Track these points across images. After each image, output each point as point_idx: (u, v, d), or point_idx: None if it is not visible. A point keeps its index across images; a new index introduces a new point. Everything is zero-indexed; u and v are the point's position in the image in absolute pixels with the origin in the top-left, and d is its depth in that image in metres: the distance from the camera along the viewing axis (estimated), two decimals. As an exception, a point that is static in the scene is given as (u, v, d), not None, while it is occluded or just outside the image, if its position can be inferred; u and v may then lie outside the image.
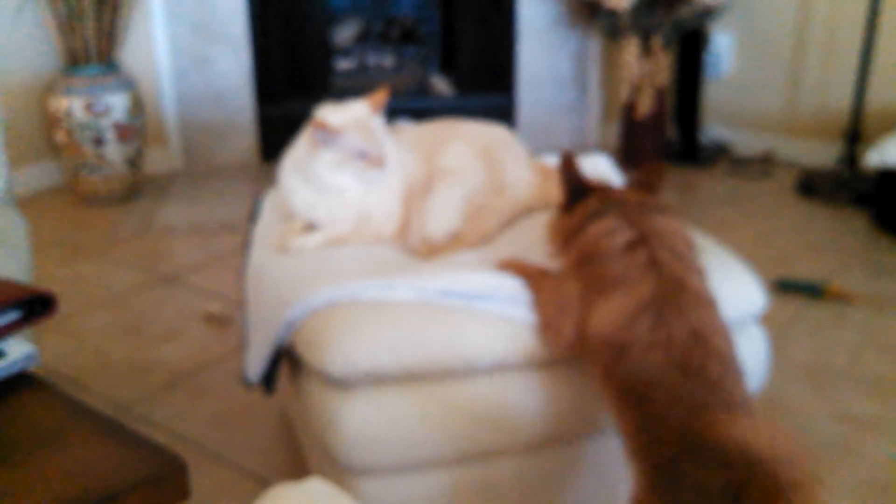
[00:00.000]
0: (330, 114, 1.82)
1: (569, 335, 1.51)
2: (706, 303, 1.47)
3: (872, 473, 2.07)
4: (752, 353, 1.74)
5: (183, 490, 0.97)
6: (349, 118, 1.82)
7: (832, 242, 3.40)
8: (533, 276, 1.63)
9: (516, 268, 1.66)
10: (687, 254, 1.52)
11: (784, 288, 2.96)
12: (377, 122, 1.87)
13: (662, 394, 1.37)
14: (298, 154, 1.88)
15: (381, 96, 1.89)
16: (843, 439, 2.19)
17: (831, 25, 4.07)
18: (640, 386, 1.39)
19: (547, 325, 1.56)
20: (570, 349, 1.53)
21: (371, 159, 1.81)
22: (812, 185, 3.85)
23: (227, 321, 2.78)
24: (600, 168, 2.14)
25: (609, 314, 1.44)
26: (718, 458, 1.28)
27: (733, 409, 1.36)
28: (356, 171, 1.81)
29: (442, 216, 1.86)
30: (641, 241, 1.49)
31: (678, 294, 1.44)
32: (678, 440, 1.34)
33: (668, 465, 1.34)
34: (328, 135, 1.78)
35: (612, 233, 1.51)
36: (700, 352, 1.39)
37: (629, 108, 4.20)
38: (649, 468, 1.39)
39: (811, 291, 2.94)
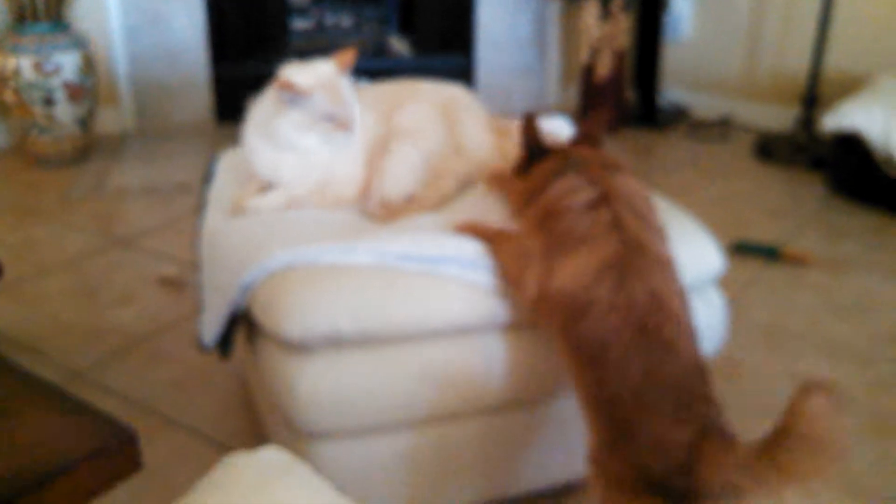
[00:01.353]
0: (296, 73, 1.77)
1: (532, 290, 1.50)
2: (665, 264, 1.47)
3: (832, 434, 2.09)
4: (710, 315, 1.74)
5: (134, 461, 0.95)
6: (317, 78, 1.77)
7: (789, 206, 3.43)
8: (493, 237, 1.61)
9: (475, 230, 1.64)
10: (647, 214, 1.52)
11: (741, 251, 2.97)
12: (345, 82, 1.82)
13: (619, 353, 1.38)
14: (263, 113, 1.82)
15: (348, 56, 1.84)
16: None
17: (790, -11, 4.07)
18: (597, 345, 1.40)
19: (513, 281, 1.55)
20: (533, 304, 1.51)
21: (339, 122, 1.77)
22: (769, 149, 3.87)
23: (183, 285, 2.74)
24: (559, 130, 2.12)
25: (572, 272, 1.44)
26: (674, 413, 1.32)
27: (686, 369, 1.37)
28: (323, 133, 1.77)
29: (399, 178, 1.83)
30: (604, 200, 1.48)
31: (640, 255, 1.44)
32: (634, 398, 1.35)
33: (623, 422, 1.36)
34: (295, 95, 1.73)
35: (574, 191, 1.51)
36: (658, 314, 1.39)
37: (588, 71, 4.18)
38: (605, 425, 1.40)
39: (768, 254, 2.96)
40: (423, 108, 1.91)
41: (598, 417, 1.42)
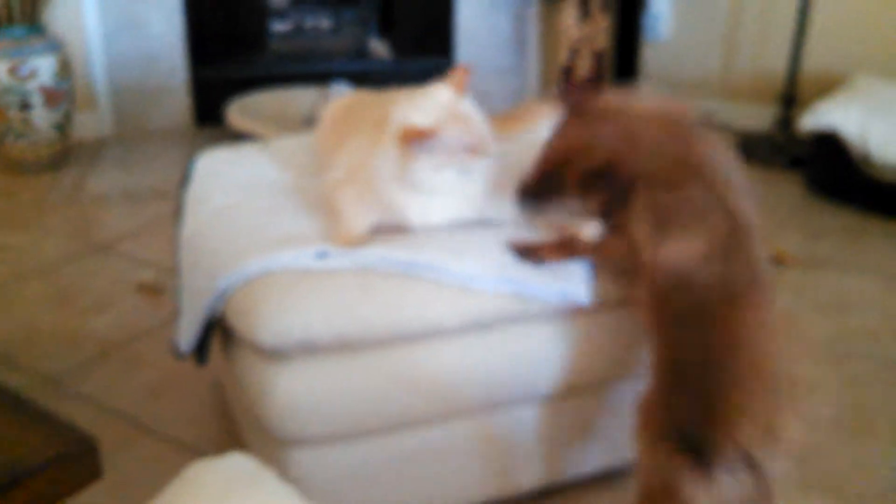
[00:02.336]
0: (413, 112, 1.62)
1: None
2: (759, 236, 1.53)
3: (808, 433, 2.10)
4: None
5: (94, 470, 0.94)
6: (437, 112, 1.62)
7: (768, 205, 3.43)
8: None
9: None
10: (744, 184, 1.54)
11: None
12: (467, 104, 1.66)
13: (710, 322, 1.46)
14: (390, 163, 1.63)
15: (461, 76, 1.68)
16: (777, 400, 2.22)
17: (768, -11, 4.09)
18: (689, 314, 1.47)
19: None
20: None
21: (473, 150, 1.62)
22: (748, 149, 3.87)
23: (161, 290, 2.72)
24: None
25: (681, 253, 1.46)
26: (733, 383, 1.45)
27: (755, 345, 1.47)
28: (460, 166, 1.63)
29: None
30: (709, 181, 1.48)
31: (747, 236, 1.49)
32: (706, 363, 1.45)
33: (686, 381, 1.47)
34: (425, 140, 1.58)
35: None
36: (752, 289, 1.47)
37: (568, 71, 4.18)
38: (668, 380, 1.51)
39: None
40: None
41: (664, 372, 1.51)
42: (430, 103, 1.63)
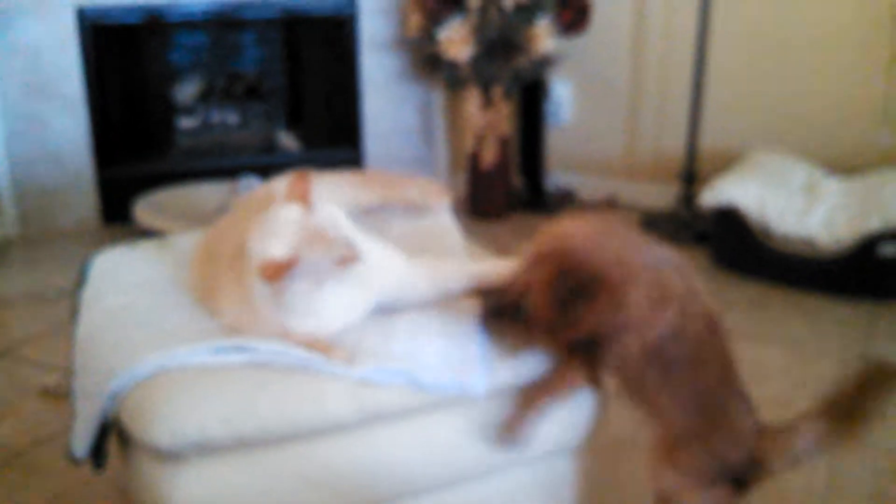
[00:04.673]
0: (270, 242, 1.55)
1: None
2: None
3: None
4: (580, 399, 1.74)
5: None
6: (292, 233, 1.55)
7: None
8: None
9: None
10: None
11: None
12: (320, 214, 1.60)
13: (700, 355, 1.60)
14: (266, 301, 1.60)
15: (301, 187, 1.61)
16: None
17: (664, 74, 4.23)
18: (682, 360, 1.59)
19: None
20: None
21: (344, 261, 1.55)
22: (654, 226, 3.97)
23: (65, 394, 2.64)
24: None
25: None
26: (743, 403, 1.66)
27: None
28: (337, 279, 1.58)
29: None
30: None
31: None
32: (716, 392, 1.63)
33: (706, 415, 1.62)
34: (287, 271, 1.52)
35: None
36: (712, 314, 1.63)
37: (474, 158, 4.25)
38: (686, 421, 1.62)
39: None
40: None
41: (679, 414, 1.61)
42: (282, 227, 1.56)
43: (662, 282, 1.56)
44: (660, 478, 1.68)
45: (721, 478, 1.63)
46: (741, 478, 1.64)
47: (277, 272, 1.50)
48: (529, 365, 1.63)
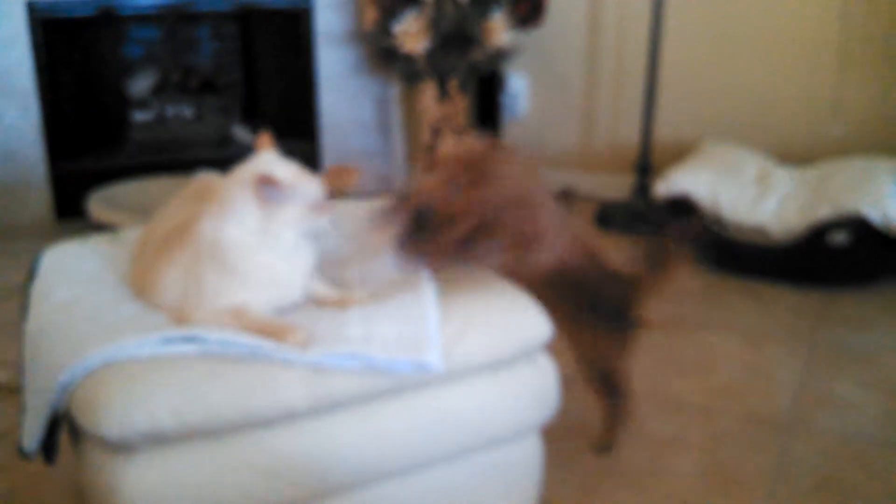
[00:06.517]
0: (268, 166, 1.63)
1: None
2: None
3: (675, 491, 2.13)
4: (542, 381, 1.76)
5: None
6: (286, 167, 1.65)
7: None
8: None
9: None
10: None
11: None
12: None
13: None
14: (243, 220, 1.63)
15: (265, 139, 1.72)
16: (647, 460, 2.25)
17: (619, 67, 4.27)
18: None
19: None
20: None
21: (323, 209, 1.66)
22: (609, 217, 4.00)
23: (16, 390, 2.61)
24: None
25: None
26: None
27: None
28: (310, 225, 1.66)
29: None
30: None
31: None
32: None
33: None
34: (283, 190, 1.59)
35: None
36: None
37: (431, 151, 4.24)
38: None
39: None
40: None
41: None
42: (272, 163, 1.65)
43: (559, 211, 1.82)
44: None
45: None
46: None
47: (271, 184, 1.57)
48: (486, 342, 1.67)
